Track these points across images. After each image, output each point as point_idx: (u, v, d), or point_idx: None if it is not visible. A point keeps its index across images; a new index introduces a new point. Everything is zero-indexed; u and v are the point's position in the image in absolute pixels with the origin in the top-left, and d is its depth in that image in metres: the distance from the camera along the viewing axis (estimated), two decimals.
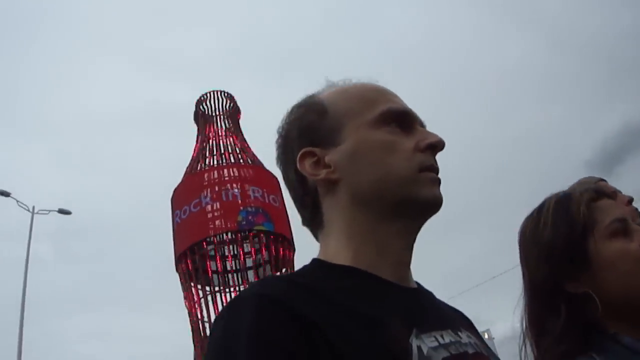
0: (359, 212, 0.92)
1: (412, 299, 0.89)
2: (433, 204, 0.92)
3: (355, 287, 0.84)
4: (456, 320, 0.95)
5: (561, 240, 1.20)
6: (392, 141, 0.92)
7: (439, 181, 0.93)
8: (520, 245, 1.31)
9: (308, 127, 0.97)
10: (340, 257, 0.90)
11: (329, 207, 0.95)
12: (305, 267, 0.92)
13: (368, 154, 0.91)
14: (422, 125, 0.98)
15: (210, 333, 0.78)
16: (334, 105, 0.97)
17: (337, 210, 0.94)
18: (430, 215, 0.94)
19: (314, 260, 0.93)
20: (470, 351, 0.85)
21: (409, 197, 0.90)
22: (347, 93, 0.99)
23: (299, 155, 0.96)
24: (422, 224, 0.96)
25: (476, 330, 1.01)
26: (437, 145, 0.94)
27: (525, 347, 1.24)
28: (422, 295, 0.95)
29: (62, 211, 19.78)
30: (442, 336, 0.83)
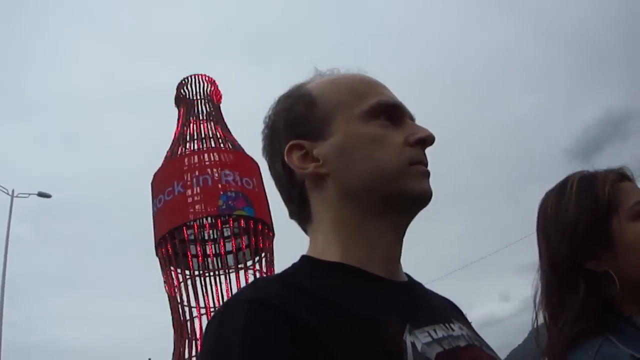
0: (347, 207, 0.91)
1: (403, 294, 0.89)
2: (422, 198, 0.91)
3: (346, 285, 0.83)
4: (447, 312, 0.95)
5: (585, 218, 1.20)
6: (381, 135, 0.90)
7: (428, 174, 0.93)
8: (540, 222, 1.30)
9: (296, 118, 0.95)
10: (330, 253, 0.89)
11: (316, 202, 0.94)
12: (295, 264, 0.90)
13: (357, 148, 0.90)
14: (411, 118, 0.97)
15: (203, 340, 0.77)
16: (323, 96, 0.95)
17: (325, 205, 0.92)
18: (420, 209, 0.94)
19: (304, 257, 0.92)
20: (462, 344, 0.85)
21: (399, 191, 0.89)
22: (337, 85, 0.97)
23: (286, 148, 0.93)
24: (412, 218, 0.95)
25: (466, 319, 1.02)
26: (427, 140, 0.92)
27: (537, 323, 1.25)
28: (413, 289, 0.95)
29: (42, 194, 19.60)
30: (435, 331, 0.82)
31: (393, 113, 0.94)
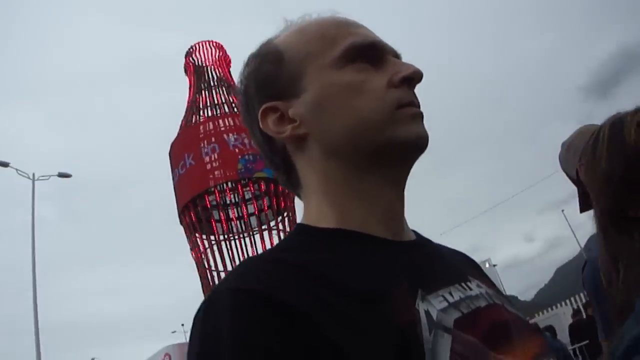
0: (335, 166, 0.82)
1: (412, 255, 0.80)
2: (417, 144, 0.81)
3: (346, 254, 0.75)
4: (462, 269, 0.87)
5: (617, 168, 1.18)
6: (360, 80, 0.81)
7: (421, 116, 0.82)
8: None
9: (265, 79, 0.86)
10: (325, 219, 0.82)
11: (302, 166, 0.86)
12: (290, 235, 0.85)
13: (334, 99, 0.81)
14: (395, 55, 0.87)
15: (189, 337, 0.69)
16: (291, 50, 0.86)
17: (311, 167, 0.85)
18: (417, 157, 0.84)
19: (299, 227, 0.85)
20: (483, 304, 0.78)
21: (388, 140, 0.79)
22: (304, 33, 0.87)
23: (259, 113, 0.85)
24: (410, 167, 0.85)
25: (483, 273, 0.95)
26: (414, 77, 0.82)
27: (600, 274, 1.24)
28: (422, 248, 0.87)
29: (62, 175, 19.80)
30: (450, 293, 0.75)
31: (371, 53, 0.84)
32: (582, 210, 2.02)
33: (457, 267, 0.87)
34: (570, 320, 14.55)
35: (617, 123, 1.23)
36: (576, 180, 1.99)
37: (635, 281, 1.12)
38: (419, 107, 0.82)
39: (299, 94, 0.83)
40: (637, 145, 1.17)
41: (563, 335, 13.68)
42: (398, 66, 0.83)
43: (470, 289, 0.79)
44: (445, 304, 0.72)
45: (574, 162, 1.98)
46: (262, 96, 0.86)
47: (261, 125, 0.86)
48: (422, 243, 0.88)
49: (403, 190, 0.86)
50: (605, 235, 1.23)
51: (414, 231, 0.89)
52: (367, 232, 0.79)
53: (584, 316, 13.72)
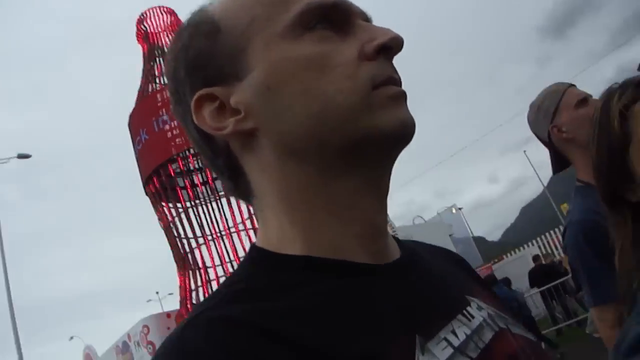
0: (295, 170, 0.64)
1: (400, 285, 0.64)
2: (402, 133, 0.63)
3: (319, 296, 0.58)
4: (458, 287, 0.73)
5: (604, 157, 1.19)
6: (323, 53, 0.62)
7: (404, 96, 0.64)
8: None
9: (197, 57, 0.66)
10: (289, 241, 0.64)
11: (252, 170, 0.67)
12: (244, 265, 0.66)
13: (290, 80, 0.62)
14: (365, 18, 0.68)
15: None
16: (229, 17, 0.66)
17: (263, 172, 0.66)
18: (402, 148, 0.66)
19: (255, 251, 0.67)
20: (489, 336, 0.64)
21: (365, 131, 0.61)
22: None
23: (192, 103, 0.65)
24: (392, 164, 0.67)
25: (476, 276, 0.84)
26: (392, 45, 0.64)
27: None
28: (411, 268, 0.69)
29: (22, 156, 19.54)
30: (453, 332, 0.60)
31: (335, 17, 0.65)
32: (555, 171, 2.02)
33: (452, 285, 0.72)
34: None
35: (605, 107, 1.21)
36: (548, 143, 1.96)
37: (629, 267, 1.13)
38: (400, 84, 0.65)
39: (243, 75, 0.64)
40: (619, 135, 1.16)
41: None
42: (371, 32, 0.64)
43: (473, 317, 0.65)
44: (450, 350, 0.57)
45: (544, 124, 1.94)
46: (195, 81, 0.66)
47: (195, 120, 0.66)
48: (409, 260, 0.70)
49: (386, 197, 0.68)
50: (609, 218, 1.23)
51: (395, 238, 0.74)
52: (342, 258, 0.63)
53: (543, 262, 14.87)
